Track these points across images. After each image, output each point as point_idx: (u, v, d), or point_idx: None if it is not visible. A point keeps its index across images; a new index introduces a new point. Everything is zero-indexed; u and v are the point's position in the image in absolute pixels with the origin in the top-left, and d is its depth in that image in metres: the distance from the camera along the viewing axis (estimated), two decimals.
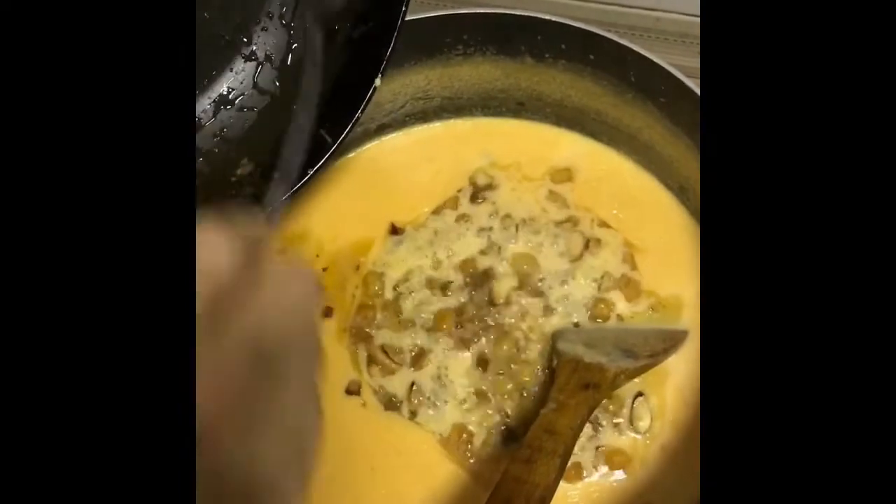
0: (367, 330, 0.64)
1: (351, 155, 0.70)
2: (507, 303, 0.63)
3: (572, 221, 0.66)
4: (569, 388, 0.56)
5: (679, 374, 0.60)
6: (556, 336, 0.61)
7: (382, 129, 0.70)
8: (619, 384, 0.57)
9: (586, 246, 0.64)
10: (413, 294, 0.64)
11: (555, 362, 0.60)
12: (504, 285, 0.64)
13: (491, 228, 0.66)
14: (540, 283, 0.64)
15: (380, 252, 0.66)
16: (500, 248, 0.65)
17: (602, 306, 0.62)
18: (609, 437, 0.59)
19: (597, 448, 0.58)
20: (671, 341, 0.60)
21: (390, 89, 0.67)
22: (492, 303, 0.63)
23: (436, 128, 0.71)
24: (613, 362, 0.57)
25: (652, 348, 0.59)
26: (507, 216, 0.66)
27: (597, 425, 0.59)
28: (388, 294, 0.64)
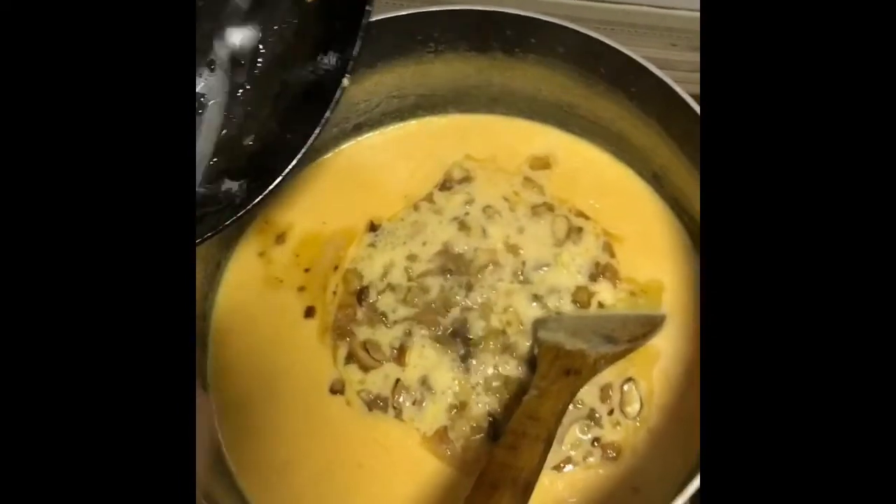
0: (349, 328, 0.64)
1: (328, 155, 0.71)
2: (488, 292, 0.63)
3: (547, 206, 0.67)
4: (551, 374, 0.56)
5: (666, 357, 0.61)
6: (537, 325, 0.62)
7: (359, 129, 0.71)
8: (600, 369, 0.58)
9: (569, 231, 0.65)
10: (393, 289, 0.64)
11: (536, 351, 0.60)
12: (483, 274, 0.64)
13: (467, 214, 0.67)
14: (521, 271, 0.64)
15: (358, 249, 0.67)
16: (477, 236, 0.66)
17: (583, 294, 0.63)
18: (604, 430, 0.59)
19: (593, 441, 0.59)
20: (650, 326, 0.60)
21: (364, 89, 0.67)
22: (471, 292, 0.63)
23: (411, 125, 0.72)
24: (594, 348, 0.57)
25: (631, 333, 0.60)
26: (484, 205, 0.67)
27: (593, 417, 0.59)
28: (368, 291, 0.65)
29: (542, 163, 0.69)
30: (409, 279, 0.65)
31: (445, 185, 0.69)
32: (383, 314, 0.64)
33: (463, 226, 0.66)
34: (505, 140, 0.70)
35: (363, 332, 0.63)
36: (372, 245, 0.67)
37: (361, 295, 0.65)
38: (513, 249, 0.65)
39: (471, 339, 0.62)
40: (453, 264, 0.65)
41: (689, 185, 0.62)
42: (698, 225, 0.64)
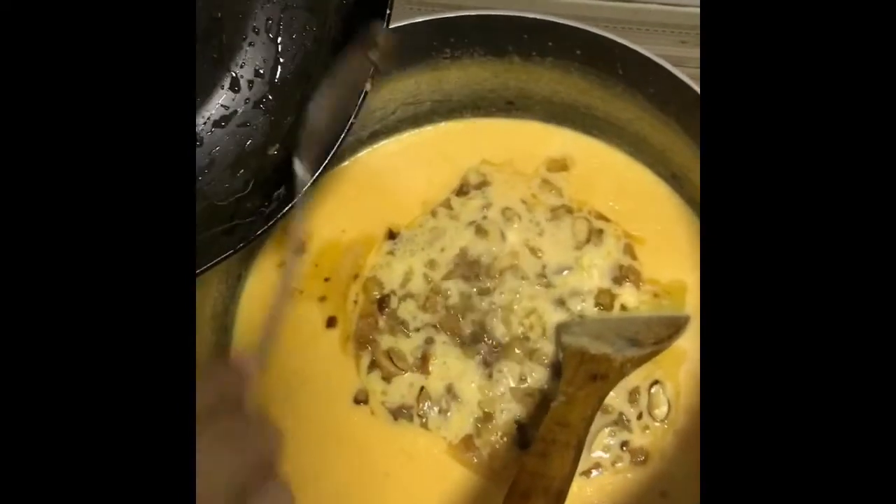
0: (371, 336, 0.63)
1: (345, 163, 0.70)
2: (509, 297, 0.63)
3: (566, 209, 0.66)
4: (577, 380, 0.56)
5: (692, 357, 0.60)
6: (560, 329, 0.61)
7: (375, 136, 0.70)
8: (627, 373, 0.57)
9: (590, 233, 0.65)
10: (413, 297, 0.64)
11: (560, 356, 0.60)
12: (504, 278, 0.64)
13: (485, 218, 0.66)
14: (542, 275, 0.64)
15: (377, 257, 0.66)
16: (496, 240, 0.65)
17: (606, 297, 0.63)
18: (633, 434, 0.59)
19: (622, 446, 0.58)
20: (674, 327, 0.60)
21: (380, 96, 0.67)
22: (492, 297, 0.63)
23: (427, 132, 0.71)
24: (619, 352, 0.57)
25: (656, 335, 0.59)
26: (501, 208, 0.67)
27: (622, 421, 0.59)
28: (389, 299, 0.64)
29: (560, 165, 0.69)
30: (429, 286, 0.64)
31: (462, 191, 0.68)
32: (404, 322, 0.63)
33: (482, 230, 0.66)
34: (521, 143, 0.70)
35: (386, 341, 0.63)
36: (391, 253, 0.66)
37: (382, 303, 0.64)
38: (533, 253, 0.65)
39: (494, 344, 0.62)
40: (473, 269, 0.65)
41: None
42: None
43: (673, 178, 0.67)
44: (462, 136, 0.71)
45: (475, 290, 0.64)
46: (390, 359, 0.62)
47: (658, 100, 0.62)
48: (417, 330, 0.63)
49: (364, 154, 0.71)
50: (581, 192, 0.67)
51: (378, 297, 0.65)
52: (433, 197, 0.68)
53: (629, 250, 0.65)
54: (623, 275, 0.63)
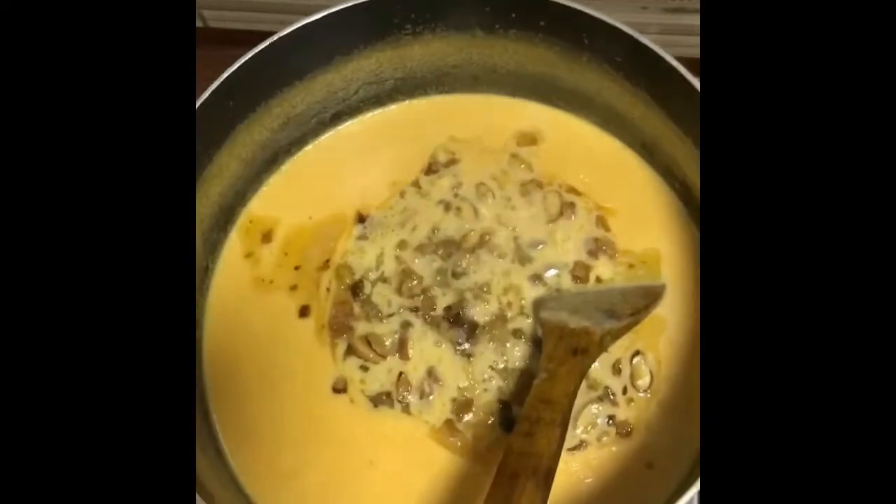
0: (347, 323, 0.62)
1: (308, 147, 0.69)
2: (484, 275, 0.62)
3: (536, 183, 0.66)
4: (558, 355, 0.55)
5: (671, 326, 0.60)
6: (537, 305, 0.61)
7: (338, 118, 0.69)
8: (607, 345, 0.57)
9: (562, 207, 0.64)
10: (387, 280, 0.63)
11: (539, 332, 0.59)
12: (478, 256, 0.63)
13: (456, 195, 0.65)
14: (516, 251, 0.63)
15: (348, 243, 0.65)
16: (468, 218, 0.64)
17: (581, 269, 0.62)
18: (619, 407, 0.58)
19: (609, 420, 0.58)
20: (651, 297, 0.60)
21: (342, 76, 0.65)
22: (467, 276, 0.62)
23: (392, 111, 0.70)
24: (598, 325, 0.57)
25: (633, 306, 0.59)
26: (473, 186, 0.66)
27: (608, 395, 0.59)
28: (363, 284, 0.63)
29: (529, 139, 0.68)
30: (403, 268, 0.63)
31: (431, 169, 0.67)
32: (379, 307, 0.62)
33: (453, 209, 0.65)
34: (489, 118, 0.69)
35: (362, 327, 0.62)
36: (362, 237, 0.65)
37: (356, 289, 0.63)
38: (505, 229, 0.64)
39: (472, 324, 0.61)
40: (446, 248, 0.64)
41: (681, 152, 0.61)
42: (691, 192, 0.63)
43: (643, 148, 0.66)
44: (428, 114, 0.70)
45: (450, 269, 0.63)
46: (368, 344, 0.61)
47: (626, 69, 0.61)
48: (392, 315, 0.62)
49: (327, 137, 0.69)
50: (551, 166, 0.67)
51: (351, 283, 0.63)
52: (401, 177, 0.67)
53: (602, 222, 0.64)
54: (597, 247, 0.63)
